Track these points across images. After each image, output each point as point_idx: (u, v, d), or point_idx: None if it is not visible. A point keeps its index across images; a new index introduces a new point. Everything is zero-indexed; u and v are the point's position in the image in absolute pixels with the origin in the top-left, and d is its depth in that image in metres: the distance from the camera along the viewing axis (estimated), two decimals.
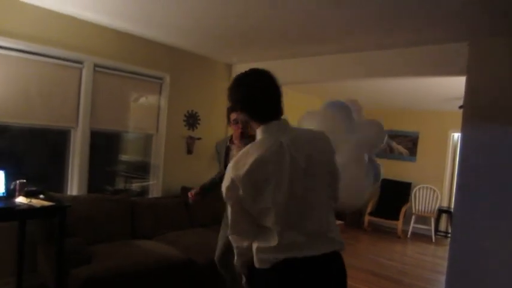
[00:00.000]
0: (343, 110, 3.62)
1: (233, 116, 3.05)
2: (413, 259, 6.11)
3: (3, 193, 3.26)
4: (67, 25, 3.85)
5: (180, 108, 5.05)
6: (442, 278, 4.22)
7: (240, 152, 1.69)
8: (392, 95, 6.57)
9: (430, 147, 7.91)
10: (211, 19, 3.65)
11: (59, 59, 3.82)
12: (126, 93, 4.51)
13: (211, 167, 5.31)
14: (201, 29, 4.01)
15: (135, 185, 4.91)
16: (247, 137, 2.91)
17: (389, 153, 8.41)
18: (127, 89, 4.50)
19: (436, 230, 7.58)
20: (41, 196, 3.29)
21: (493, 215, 3.38)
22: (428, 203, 7.74)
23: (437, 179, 7.77)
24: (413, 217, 7.56)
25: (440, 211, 7.63)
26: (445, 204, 7.73)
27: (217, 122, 5.57)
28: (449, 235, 6.98)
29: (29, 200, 3.12)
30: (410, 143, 8.15)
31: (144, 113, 4.73)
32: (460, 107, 3.76)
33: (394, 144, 8.36)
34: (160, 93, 4.85)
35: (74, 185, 4.06)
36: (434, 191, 7.69)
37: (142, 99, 4.71)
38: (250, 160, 1.61)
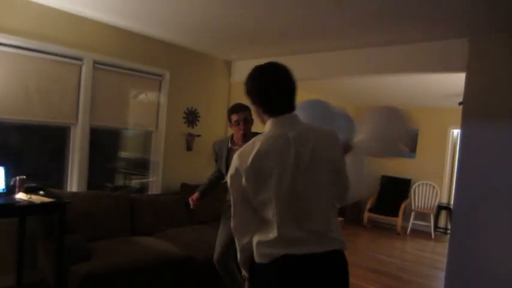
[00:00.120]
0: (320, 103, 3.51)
1: (234, 117, 3.04)
2: (413, 255, 6.12)
3: (3, 189, 3.27)
4: (66, 22, 3.84)
5: (180, 105, 5.05)
6: (442, 275, 4.23)
7: (247, 144, 1.71)
8: (392, 92, 6.56)
9: (430, 143, 7.91)
10: (210, 16, 3.65)
11: (59, 56, 3.81)
12: (126, 90, 4.51)
13: (211, 164, 5.32)
14: (201, 26, 4.01)
15: (135, 182, 4.91)
16: (249, 139, 2.92)
17: None
18: (126, 85, 4.49)
19: (436, 226, 7.59)
20: (41, 192, 3.30)
21: (493, 212, 3.39)
22: (428, 199, 7.75)
23: (436, 176, 7.78)
24: (412, 214, 7.57)
25: (440, 207, 7.64)
26: (444, 200, 7.74)
27: (217, 119, 5.57)
28: (448, 231, 7.00)
29: (28, 196, 3.13)
30: (409, 140, 8.14)
31: (143, 109, 4.73)
32: (460, 103, 3.76)
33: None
34: (159, 90, 4.85)
35: (74, 182, 4.06)
36: (433, 187, 7.70)
37: (142, 96, 4.71)
38: (255, 151, 1.63)
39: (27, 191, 3.24)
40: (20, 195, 3.15)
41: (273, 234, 1.62)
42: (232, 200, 1.73)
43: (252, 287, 1.79)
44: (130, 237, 3.89)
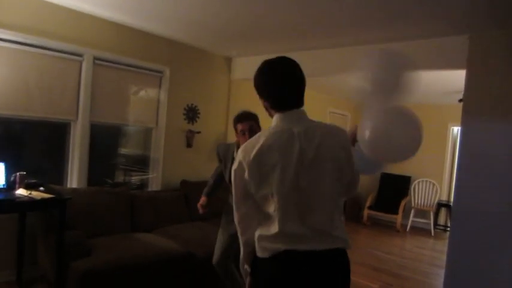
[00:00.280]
0: None
1: (239, 126, 3.01)
2: (412, 253, 6.13)
3: (4, 185, 3.27)
4: (67, 18, 3.83)
5: (180, 101, 5.04)
6: (441, 272, 4.23)
7: (252, 138, 1.70)
8: None
9: (430, 140, 7.88)
10: (211, 12, 3.64)
11: (59, 52, 3.81)
12: (126, 86, 4.50)
13: (211, 161, 5.31)
14: (201, 22, 4.00)
15: (135, 178, 4.91)
16: None
17: None
18: (127, 82, 4.49)
19: (435, 223, 7.60)
20: (41, 188, 3.30)
21: (493, 209, 3.39)
22: (428, 196, 7.75)
23: (436, 173, 7.78)
24: (412, 211, 7.58)
25: (440, 205, 7.65)
26: (444, 198, 7.74)
27: (217, 116, 5.57)
28: (448, 229, 7.01)
29: (29, 192, 3.13)
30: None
31: (143, 106, 4.73)
32: (460, 100, 3.76)
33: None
34: (160, 86, 4.84)
35: (74, 178, 4.06)
36: (433, 184, 7.70)
37: (142, 93, 4.70)
38: (259, 145, 1.62)
39: (27, 187, 3.24)
40: (20, 191, 3.15)
41: (274, 229, 1.62)
42: (234, 194, 1.71)
43: (253, 281, 1.77)
44: (130, 234, 3.89)
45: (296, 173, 1.60)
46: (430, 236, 7.27)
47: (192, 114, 5.18)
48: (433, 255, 6.07)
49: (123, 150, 4.90)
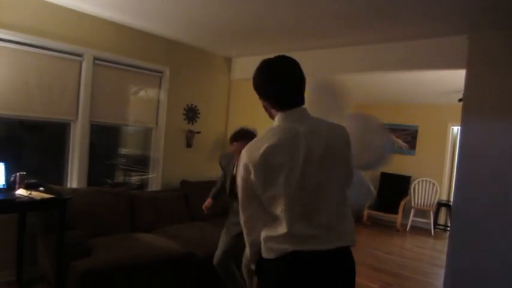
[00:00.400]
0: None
1: (235, 145, 3.04)
2: (412, 253, 6.13)
3: (3, 185, 3.27)
4: (67, 18, 3.83)
5: (180, 101, 5.04)
6: (441, 271, 4.24)
7: (256, 138, 1.70)
8: (392, 89, 6.56)
9: (430, 140, 7.92)
10: (210, 12, 3.64)
11: (59, 52, 3.81)
12: (126, 86, 4.50)
13: (211, 161, 5.33)
14: (201, 22, 4.00)
15: (135, 178, 4.91)
16: None
17: None
18: (126, 82, 4.49)
19: (435, 223, 7.59)
20: (41, 188, 3.30)
21: (492, 208, 3.39)
22: (428, 196, 7.75)
23: (436, 173, 7.78)
24: (412, 211, 7.58)
25: (440, 204, 7.65)
26: (444, 197, 7.74)
27: (217, 116, 5.57)
28: (448, 228, 7.01)
29: (29, 192, 3.13)
30: (409, 137, 8.16)
31: (143, 106, 4.73)
32: (460, 100, 3.76)
33: (393, 137, 8.36)
34: (159, 86, 4.84)
35: (74, 178, 4.06)
36: (433, 184, 7.70)
37: (142, 93, 4.70)
38: (264, 146, 1.59)
39: (27, 187, 3.24)
40: (20, 191, 3.16)
41: (282, 229, 1.60)
42: (240, 195, 1.70)
43: (259, 282, 1.78)
44: (130, 234, 3.89)
45: (303, 173, 1.58)
46: (430, 236, 7.27)
47: (192, 114, 5.19)
48: (433, 255, 6.07)
49: (123, 150, 4.91)
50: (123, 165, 4.88)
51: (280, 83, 1.67)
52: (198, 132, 5.21)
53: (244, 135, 3.01)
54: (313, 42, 4.42)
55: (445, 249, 3.81)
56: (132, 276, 3.28)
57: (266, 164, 1.59)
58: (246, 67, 5.47)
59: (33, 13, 3.61)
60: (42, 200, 3.09)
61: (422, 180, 7.84)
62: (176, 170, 5.01)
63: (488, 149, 3.45)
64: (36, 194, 3.13)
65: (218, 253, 3.33)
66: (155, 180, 4.89)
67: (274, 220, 1.64)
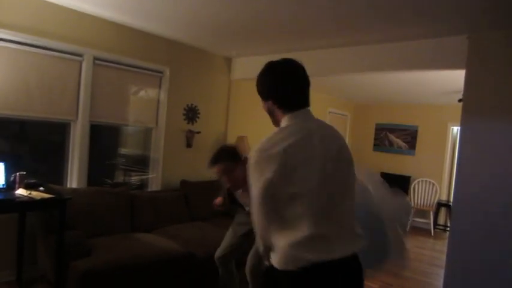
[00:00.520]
0: None
1: (214, 170, 2.94)
2: (412, 253, 6.12)
3: (3, 185, 3.27)
4: (67, 18, 3.83)
5: (180, 101, 5.04)
6: (441, 272, 4.24)
7: (267, 138, 1.63)
8: (392, 89, 6.56)
9: (429, 140, 7.92)
10: (210, 12, 3.64)
11: (59, 52, 3.81)
12: (126, 86, 4.50)
13: None
14: (201, 22, 4.00)
15: (135, 178, 4.91)
16: (240, 185, 2.86)
17: (389, 147, 8.42)
18: (126, 82, 4.49)
19: (435, 223, 7.60)
20: (41, 188, 3.30)
21: (492, 209, 3.39)
22: (427, 196, 7.76)
23: (436, 173, 7.78)
24: (412, 211, 7.57)
25: (439, 204, 7.65)
26: (444, 197, 7.75)
27: (217, 115, 5.57)
28: (448, 229, 7.01)
29: (28, 192, 3.13)
30: (409, 137, 8.16)
31: (143, 106, 4.73)
32: (460, 100, 3.76)
33: (393, 137, 8.37)
34: (159, 86, 4.84)
35: (74, 178, 4.06)
36: (433, 184, 7.71)
37: (142, 93, 4.70)
38: (283, 143, 1.56)
39: (27, 186, 3.23)
40: (20, 191, 3.15)
41: (301, 232, 1.52)
42: (253, 197, 1.60)
43: None
44: (130, 234, 3.89)
45: (322, 171, 1.57)
46: (429, 236, 7.27)
47: (192, 114, 5.19)
48: (433, 255, 6.08)
49: (123, 150, 4.91)
50: (123, 165, 4.88)
51: (289, 82, 1.67)
52: (198, 132, 5.21)
53: (218, 158, 2.90)
54: (313, 42, 4.42)
55: (445, 249, 3.81)
56: (132, 276, 3.28)
57: (287, 161, 1.53)
58: (246, 67, 5.47)
59: (33, 13, 3.61)
60: (42, 200, 3.09)
61: (422, 181, 7.84)
62: (176, 170, 5.01)
63: (488, 149, 3.45)
64: (36, 194, 3.13)
65: (221, 248, 3.34)
66: (155, 180, 4.89)
67: (291, 224, 1.56)
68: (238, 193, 3.07)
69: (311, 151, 1.58)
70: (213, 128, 5.52)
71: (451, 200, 5.72)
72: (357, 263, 1.62)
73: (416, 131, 8.08)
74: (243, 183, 2.81)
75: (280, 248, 1.56)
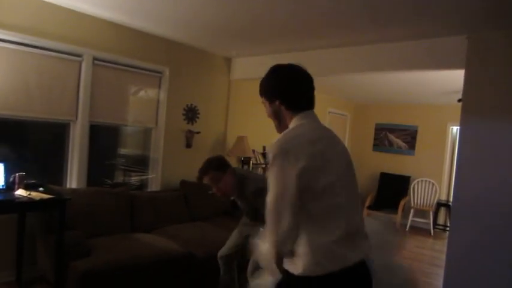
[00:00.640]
0: None
1: (204, 181, 2.94)
2: (412, 253, 6.13)
3: (3, 186, 3.28)
4: (66, 18, 3.83)
5: (179, 102, 5.04)
6: (441, 271, 4.24)
7: (285, 133, 1.58)
8: (391, 89, 6.56)
9: (429, 140, 7.92)
10: (210, 12, 3.64)
11: (58, 52, 3.81)
12: (125, 86, 4.50)
13: None
14: (200, 22, 4.00)
15: (134, 179, 4.91)
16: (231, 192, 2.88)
17: (388, 147, 8.42)
18: (126, 82, 4.49)
19: (435, 223, 7.60)
20: (41, 189, 3.30)
21: (492, 208, 3.39)
22: (427, 196, 7.75)
23: (436, 173, 7.78)
24: (411, 210, 7.58)
25: (439, 204, 7.65)
26: (443, 197, 7.75)
27: (217, 116, 5.57)
28: (447, 228, 7.01)
29: (28, 192, 3.13)
30: (409, 137, 8.16)
31: (143, 106, 4.73)
32: (459, 100, 3.76)
33: (393, 137, 8.37)
34: (159, 86, 4.84)
35: (73, 178, 4.06)
36: (433, 184, 7.71)
37: (142, 93, 4.70)
38: (307, 135, 1.53)
39: (26, 187, 3.23)
40: (20, 192, 3.15)
41: (340, 229, 1.45)
42: (275, 194, 1.46)
43: None
44: (130, 234, 3.89)
45: (342, 165, 1.59)
46: (429, 236, 7.27)
47: (191, 114, 5.18)
48: (432, 255, 6.08)
49: (122, 151, 4.91)
50: (122, 165, 4.88)
51: (299, 82, 1.67)
52: (198, 133, 5.21)
53: (204, 171, 2.89)
54: (312, 43, 4.42)
55: (445, 249, 3.81)
56: (132, 276, 3.28)
57: (316, 152, 1.49)
58: (245, 67, 5.47)
59: (32, 13, 3.60)
60: (42, 201, 3.09)
61: (422, 180, 7.84)
62: (176, 170, 5.00)
63: (488, 149, 3.46)
64: (35, 195, 3.13)
65: (225, 247, 3.35)
66: (155, 180, 4.89)
67: (323, 220, 1.47)
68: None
69: (334, 146, 1.61)
70: (213, 128, 5.52)
71: (451, 199, 5.72)
72: (366, 265, 1.59)
73: (416, 131, 8.08)
74: (232, 191, 2.83)
75: (314, 248, 1.44)
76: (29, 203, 3.05)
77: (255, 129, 5.87)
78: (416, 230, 7.56)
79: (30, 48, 3.61)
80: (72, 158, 4.06)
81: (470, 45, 3.55)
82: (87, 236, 3.45)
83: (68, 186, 4.05)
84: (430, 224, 7.46)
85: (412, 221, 7.60)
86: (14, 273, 3.54)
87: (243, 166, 5.80)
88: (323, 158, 1.50)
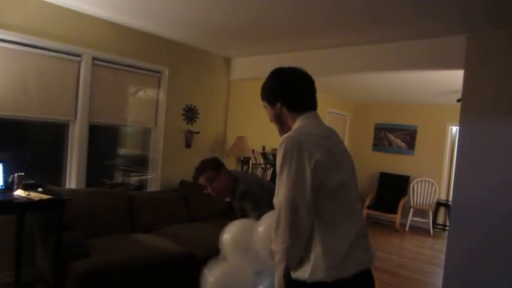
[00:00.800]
0: None
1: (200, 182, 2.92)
2: (411, 252, 6.13)
3: (2, 186, 3.27)
4: (65, 18, 3.82)
5: (179, 102, 5.04)
6: (440, 271, 4.24)
7: (293, 131, 1.53)
8: (391, 89, 6.56)
9: (428, 140, 7.92)
10: (209, 12, 3.63)
11: (57, 52, 3.80)
12: (125, 86, 4.49)
13: None
14: (200, 22, 4.00)
15: (134, 179, 4.90)
16: (226, 193, 2.86)
17: (388, 147, 8.42)
18: (125, 82, 4.48)
19: (434, 223, 7.60)
20: (39, 189, 3.29)
21: (491, 208, 3.39)
22: (427, 196, 7.75)
23: (435, 172, 7.78)
24: (411, 210, 7.58)
25: (439, 204, 7.66)
26: (443, 197, 7.75)
27: (216, 116, 5.56)
28: (447, 228, 7.01)
29: (27, 193, 3.12)
30: (408, 137, 8.16)
31: (142, 106, 4.72)
32: (458, 100, 3.76)
33: (392, 137, 8.37)
34: (158, 86, 4.83)
35: (72, 179, 4.05)
36: (432, 184, 7.71)
37: (141, 93, 4.69)
38: (316, 132, 1.51)
39: (25, 187, 3.23)
40: (18, 192, 3.15)
41: (353, 231, 1.42)
42: (290, 193, 1.35)
43: None
44: (129, 235, 3.89)
45: (349, 164, 1.58)
46: (429, 235, 7.27)
47: (191, 114, 5.18)
48: (432, 255, 6.08)
49: (121, 151, 4.90)
50: (122, 165, 4.87)
51: (300, 84, 1.65)
52: (197, 133, 5.21)
53: (198, 171, 2.89)
54: (311, 42, 4.41)
55: (444, 248, 3.81)
56: (131, 277, 3.27)
57: (328, 148, 1.46)
58: (245, 67, 5.46)
59: (31, 13, 3.59)
60: (41, 201, 3.08)
61: (421, 180, 7.84)
62: (175, 170, 5.00)
63: (487, 149, 3.46)
64: (34, 195, 3.12)
65: None
66: (154, 180, 4.88)
67: (335, 221, 1.41)
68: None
69: (340, 144, 1.60)
70: (212, 128, 5.52)
71: (450, 199, 5.71)
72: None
73: (415, 131, 8.08)
74: (226, 191, 2.83)
75: (330, 251, 1.36)
76: (27, 203, 3.04)
77: (254, 129, 5.87)
78: (416, 229, 7.57)
79: (29, 48, 3.60)
80: (71, 158, 4.06)
81: (470, 45, 3.55)
82: (86, 236, 3.44)
83: (67, 186, 4.04)
84: (429, 223, 7.46)
85: (411, 220, 7.61)
86: (13, 274, 3.53)
87: (242, 166, 5.80)
88: (334, 155, 1.47)
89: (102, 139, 4.61)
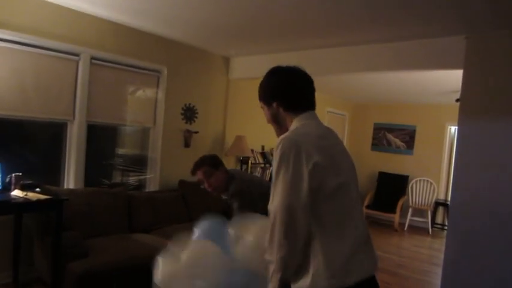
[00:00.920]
0: None
1: (197, 177, 2.94)
2: (410, 252, 6.13)
3: None
4: (64, 17, 3.81)
5: (178, 101, 5.03)
6: (439, 270, 4.23)
7: (290, 132, 1.49)
8: (390, 89, 6.56)
9: (427, 140, 7.92)
10: (208, 11, 3.62)
11: (55, 51, 3.78)
12: (123, 86, 4.48)
13: None
14: (199, 21, 3.99)
15: (132, 179, 4.89)
16: (223, 188, 2.87)
17: (387, 147, 8.42)
18: (124, 81, 4.47)
19: (433, 222, 7.61)
20: (37, 189, 3.28)
21: (490, 208, 3.39)
22: (425, 195, 7.76)
23: (434, 172, 7.79)
24: (410, 210, 7.59)
25: (437, 204, 7.66)
26: (441, 197, 7.76)
27: (215, 115, 5.55)
28: (445, 228, 7.02)
29: (24, 193, 3.11)
30: (407, 137, 8.16)
31: (141, 106, 4.71)
32: (457, 100, 3.76)
33: (391, 137, 8.37)
34: (157, 86, 4.82)
35: (71, 179, 4.04)
36: (431, 183, 7.71)
37: (140, 92, 4.68)
38: (315, 133, 1.47)
39: (23, 188, 3.21)
40: (16, 192, 3.13)
41: (354, 235, 1.36)
42: (287, 196, 1.29)
43: None
44: (127, 235, 3.88)
45: (349, 164, 1.55)
46: (427, 235, 7.28)
47: (190, 114, 5.17)
48: (431, 254, 6.08)
49: (120, 151, 4.88)
50: (120, 165, 4.85)
51: (297, 83, 1.61)
52: (196, 132, 5.20)
53: (195, 165, 2.92)
54: (311, 42, 4.40)
55: (443, 248, 3.81)
56: (130, 277, 3.26)
57: (326, 144, 1.43)
58: (244, 67, 5.45)
59: (29, 12, 3.58)
60: (38, 201, 3.07)
61: (420, 180, 7.85)
62: (174, 170, 4.99)
63: (485, 149, 3.46)
64: (32, 195, 3.10)
65: None
66: (153, 180, 4.87)
67: (340, 223, 1.36)
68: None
69: (340, 146, 1.57)
70: (211, 128, 5.51)
71: (449, 199, 5.72)
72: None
73: (414, 131, 8.08)
74: (223, 188, 2.85)
75: (331, 258, 1.31)
76: (25, 203, 3.03)
77: (253, 128, 5.86)
78: (415, 229, 7.57)
79: (27, 47, 3.58)
80: (70, 158, 4.04)
81: (469, 45, 3.54)
82: (84, 236, 3.43)
83: (65, 186, 4.03)
84: (428, 223, 7.47)
85: (410, 220, 7.61)
86: (10, 275, 3.52)
87: (241, 166, 5.79)
88: (333, 156, 1.43)
89: (101, 139, 4.59)
